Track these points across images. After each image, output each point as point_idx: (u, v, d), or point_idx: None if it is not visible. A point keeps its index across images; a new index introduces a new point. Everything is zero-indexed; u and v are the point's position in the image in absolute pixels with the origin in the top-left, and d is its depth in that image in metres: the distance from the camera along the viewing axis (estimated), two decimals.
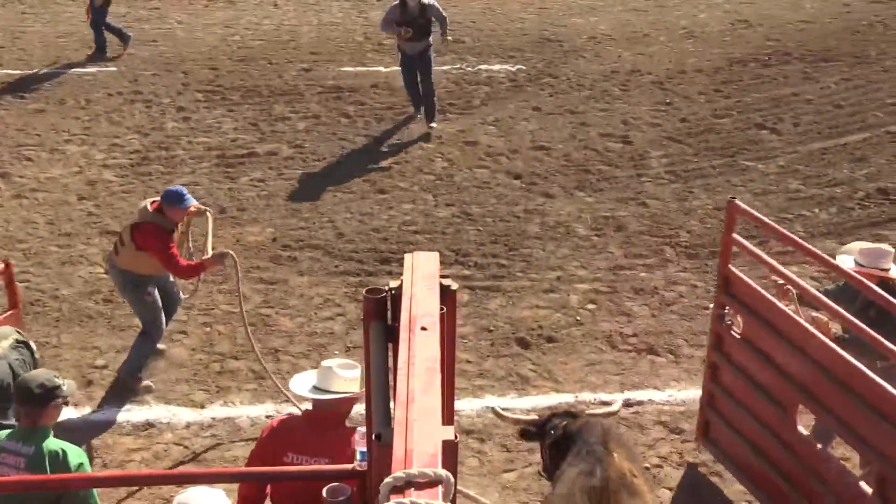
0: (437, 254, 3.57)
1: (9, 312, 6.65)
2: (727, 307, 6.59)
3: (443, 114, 12.82)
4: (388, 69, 14.26)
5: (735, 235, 6.42)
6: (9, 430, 4.89)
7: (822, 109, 13.13)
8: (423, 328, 3.08)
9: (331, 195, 10.85)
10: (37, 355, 5.93)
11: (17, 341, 5.83)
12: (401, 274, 3.42)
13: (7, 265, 6.59)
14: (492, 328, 8.66)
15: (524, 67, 14.53)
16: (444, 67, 14.24)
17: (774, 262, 6.32)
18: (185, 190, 7.65)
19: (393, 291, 3.42)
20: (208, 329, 8.62)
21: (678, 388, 7.94)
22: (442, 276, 3.44)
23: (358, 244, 9.94)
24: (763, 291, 6.20)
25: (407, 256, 3.53)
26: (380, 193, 10.86)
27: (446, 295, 3.39)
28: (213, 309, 8.89)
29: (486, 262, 9.65)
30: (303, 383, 5.18)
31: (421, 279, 3.35)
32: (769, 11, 17.36)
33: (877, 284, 5.71)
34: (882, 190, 11.01)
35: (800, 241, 6.27)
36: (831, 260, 6.07)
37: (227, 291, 9.11)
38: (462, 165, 11.51)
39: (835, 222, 10.39)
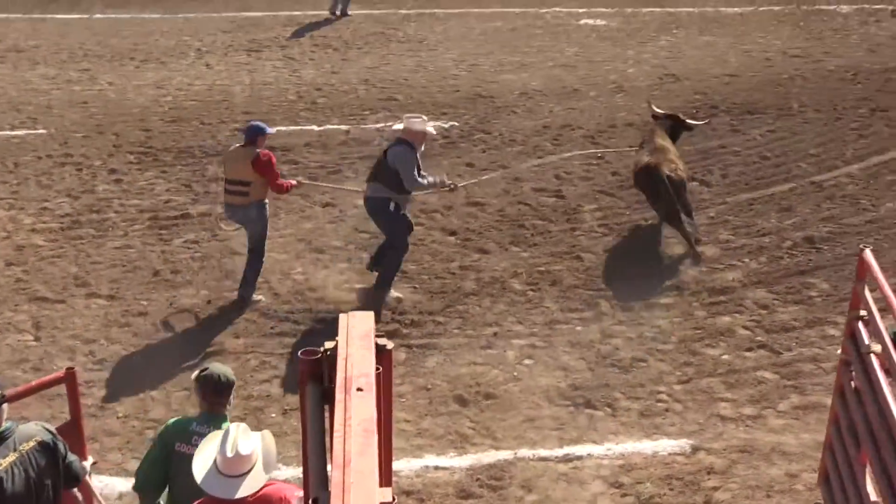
0: (372, 313, 3.57)
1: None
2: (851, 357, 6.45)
3: None
4: (320, 128, 14.31)
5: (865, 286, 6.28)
6: (185, 418, 5.64)
7: (749, 161, 13.41)
8: (359, 389, 3.07)
9: (265, 255, 10.78)
10: (69, 459, 5.18)
11: (41, 443, 5.04)
12: (337, 334, 3.41)
13: (70, 372, 5.72)
14: (429, 386, 8.63)
15: (457, 124, 14.65)
16: (378, 125, 14.32)
17: None
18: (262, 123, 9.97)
19: (328, 352, 3.41)
20: (142, 395, 8.47)
21: (616, 442, 7.97)
22: (378, 336, 3.43)
23: (294, 304, 9.89)
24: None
25: (342, 317, 3.52)
26: (315, 252, 10.83)
27: (382, 354, 3.39)
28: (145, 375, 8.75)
29: (422, 320, 9.65)
30: (203, 466, 4.85)
31: (357, 339, 3.35)
32: (696, 66, 17.75)
33: None
34: (808, 238, 11.24)
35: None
36: None
37: None
38: None
39: (765, 272, 10.57)
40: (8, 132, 14.13)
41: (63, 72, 16.77)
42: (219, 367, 5.61)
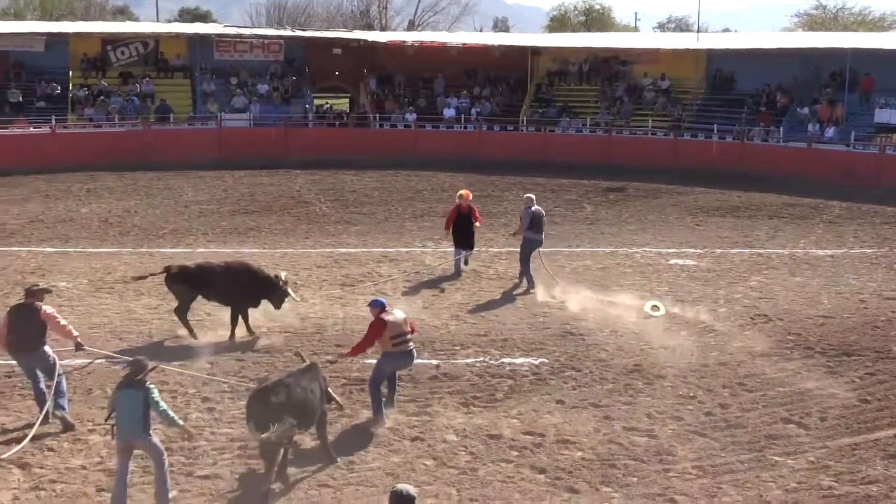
0: None
1: None
2: None
3: (466, 406, 12.80)
4: None
5: None
6: None
7: (849, 404, 13.02)
8: None
9: None
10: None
11: None
12: None
13: None
14: None
15: (547, 360, 14.63)
16: (468, 360, 14.38)
17: None
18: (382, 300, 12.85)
19: None
20: None
21: None
22: None
23: None
24: None
25: None
26: None
27: None
28: None
29: None
30: None
31: None
32: (788, 306, 17.64)
33: None
34: None
35: None
36: None
37: None
38: (486, 459, 11.34)
39: None
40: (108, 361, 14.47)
41: (165, 303, 17.32)
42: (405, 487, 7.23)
